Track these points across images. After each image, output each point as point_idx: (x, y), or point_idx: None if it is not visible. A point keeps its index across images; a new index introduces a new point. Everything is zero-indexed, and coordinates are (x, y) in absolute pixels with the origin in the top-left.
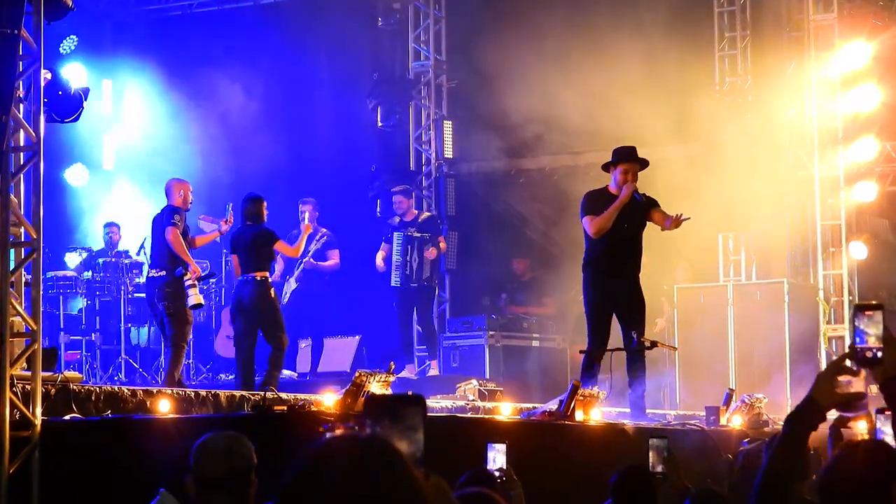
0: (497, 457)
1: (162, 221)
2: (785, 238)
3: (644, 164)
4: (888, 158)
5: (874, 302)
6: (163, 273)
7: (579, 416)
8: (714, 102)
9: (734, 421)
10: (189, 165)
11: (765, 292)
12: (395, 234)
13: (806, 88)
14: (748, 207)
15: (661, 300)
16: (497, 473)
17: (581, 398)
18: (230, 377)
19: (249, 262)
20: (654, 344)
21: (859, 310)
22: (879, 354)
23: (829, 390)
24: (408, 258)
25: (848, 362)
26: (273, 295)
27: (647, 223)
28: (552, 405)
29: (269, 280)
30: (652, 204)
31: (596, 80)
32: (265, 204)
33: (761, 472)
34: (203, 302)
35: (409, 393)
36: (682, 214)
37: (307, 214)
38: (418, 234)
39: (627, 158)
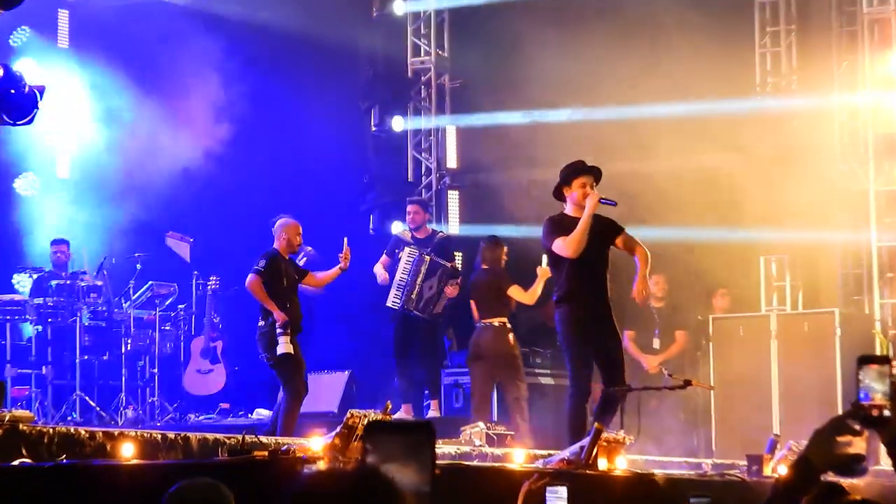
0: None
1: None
2: (836, 262)
3: (599, 174)
4: None
5: (882, 354)
6: (261, 323)
7: (603, 464)
8: (754, 106)
9: (780, 471)
10: (156, 174)
11: (813, 323)
12: (408, 248)
13: (859, 90)
14: (794, 226)
15: (674, 333)
16: None
17: (605, 444)
18: (200, 417)
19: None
20: (687, 382)
21: (864, 362)
22: (886, 413)
23: (826, 451)
24: (418, 281)
25: (851, 421)
26: (513, 341)
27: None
28: (571, 452)
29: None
30: (616, 227)
31: (621, 79)
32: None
33: None
34: (292, 352)
35: (415, 419)
36: (646, 291)
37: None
38: (446, 263)
39: (582, 171)
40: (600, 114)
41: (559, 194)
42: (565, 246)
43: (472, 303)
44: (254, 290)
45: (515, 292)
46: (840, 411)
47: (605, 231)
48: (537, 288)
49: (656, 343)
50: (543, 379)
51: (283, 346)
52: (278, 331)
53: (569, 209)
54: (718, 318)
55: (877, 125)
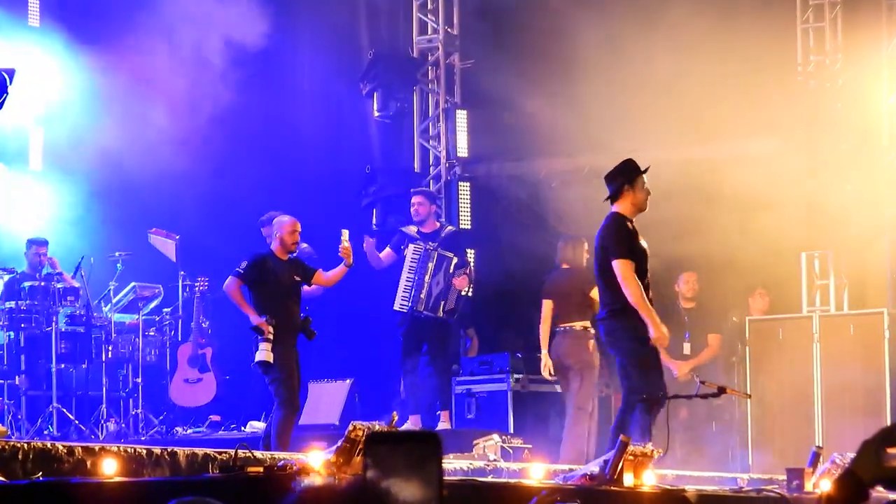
0: None
1: None
2: (885, 258)
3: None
4: None
5: None
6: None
7: (629, 480)
8: (796, 88)
9: (823, 486)
10: (137, 165)
11: (860, 325)
12: (412, 245)
13: None
14: (838, 219)
15: (707, 336)
16: None
17: (631, 458)
18: (188, 430)
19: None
20: (721, 390)
21: None
22: None
23: (874, 464)
24: (427, 279)
25: None
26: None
27: None
28: (594, 466)
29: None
30: None
31: (650, 59)
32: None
33: None
34: (271, 360)
35: (421, 428)
36: None
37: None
38: (450, 254)
39: (640, 170)
40: (628, 97)
41: (617, 195)
42: (623, 278)
43: (547, 303)
44: (229, 294)
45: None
46: (889, 421)
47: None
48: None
49: (687, 348)
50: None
51: (262, 352)
52: (258, 337)
53: (627, 210)
54: (756, 320)
55: None
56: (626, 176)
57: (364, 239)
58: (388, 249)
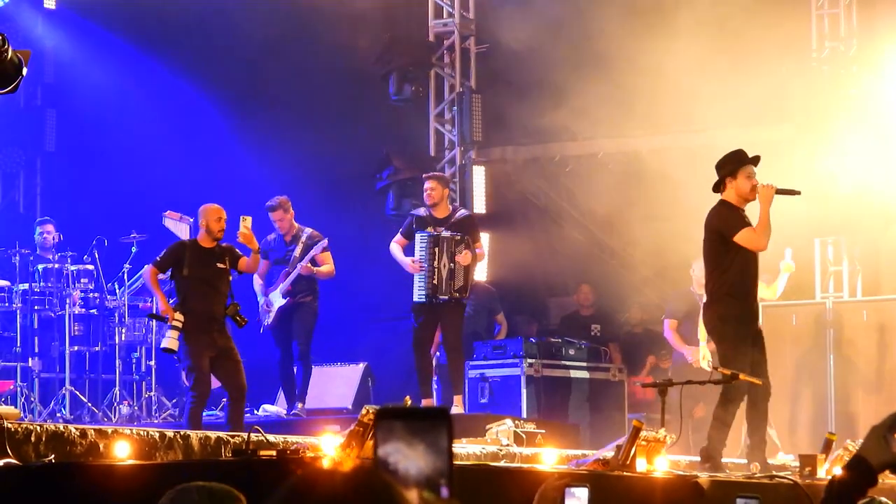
0: None
1: None
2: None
3: (757, 164)
4: None
5: None
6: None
7: (642, 465)
8: (810, 74)
9: (836, 473)
10: (153, 147)
11: (873, 312)
12: (419, 235)
13: None
14: (852, 205)
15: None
16: None
17: (644, 443)
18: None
19: None
20: (734, 376)
21: None
22: None
23: (883, 448)
24: (435, 263)
25: None
26: None
27: None
28: (607, 452)
29: None
30: None
31: (665, 44)
32: None
33: None
34: (174, 348)
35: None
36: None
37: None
38: (447, 234)
39: (747, 161)
40: (643, 83)
41: (719, 186)
42: (756, 238)
43: None
44: (145, 281)
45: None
46: None
47: None
48: (779, 283)
49: (701, 333)
50: (577, 372)
51: (167, 340)
52: (167, 324)
53: (732, 199)
54: (769, 305)
55: None
56: (728, 167)
57: (399, 254)
58: (399, 237)
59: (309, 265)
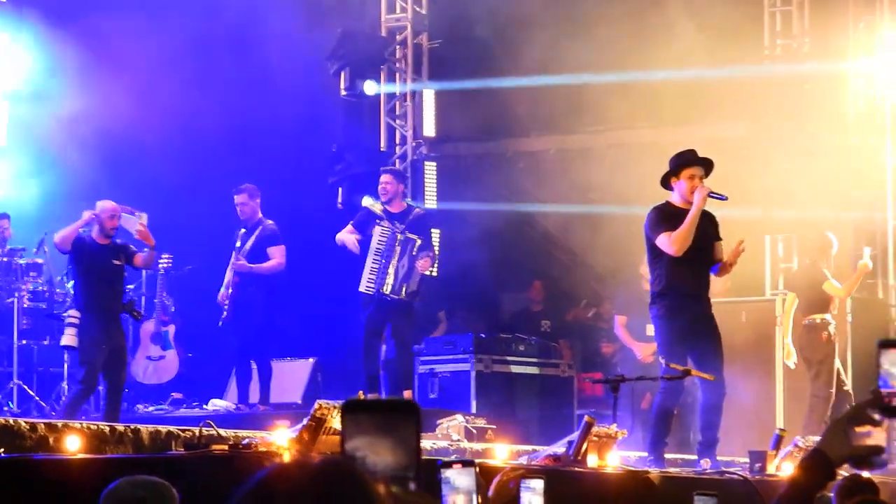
0: (533, 499)
1: None
2: (849, 242)
3: (710, 167)
4: None
5: None
6: None
7: (593, 461)
8: (762, 71)
9: (785, 469)
10: (103, 142)
11: None
12: (379, 227)
13: (878, 54)
14: (803, 203)
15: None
16: None
17: (595, 439)
18: (150, 408)
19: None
20: (686, 372)
21: (884, 346)
22: None
23: (842, 442)
24: (393, 261)
25: (870, 410)
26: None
27: None
28: (559, 447)
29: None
30: (717, 232)
31: (617, 41)
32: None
33: None
34: (74, 344)
35: (402, 397)
36: (741, 243)
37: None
38: (412, 237)
39: (691, 162)
40: (597, 79)
41: (666, 183)
42: (670, 243)
43: (790, 296)
44: None
45: (829, 287)
46: (850, 404)
47: (710, 228)
48: (854, 283)
49: (650, 329)
50: (527, 368)
51: (66, 337)
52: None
53: (675, 199)
54: (718, 302)
55: None
56: (672, 166)
57: (347, 237)
58: (350, 227)
59: (244, 261)
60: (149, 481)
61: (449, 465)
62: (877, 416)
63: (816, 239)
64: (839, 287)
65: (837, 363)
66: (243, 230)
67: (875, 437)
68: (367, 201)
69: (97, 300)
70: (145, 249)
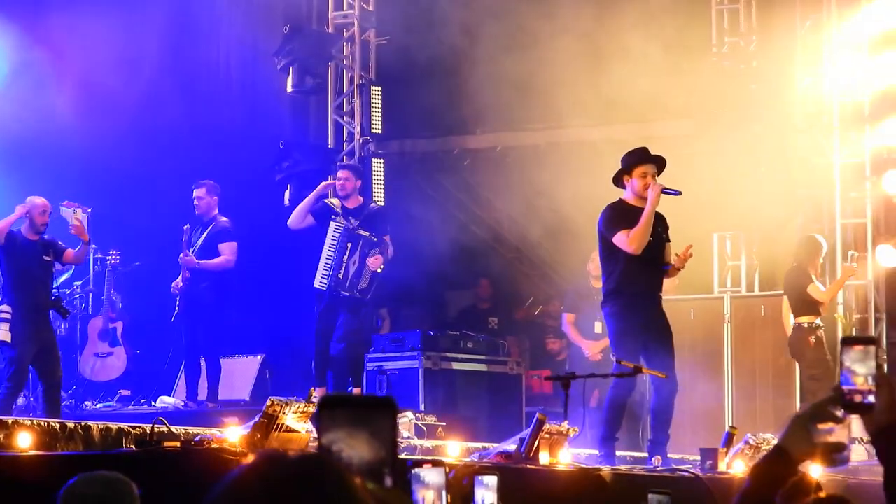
0: (486, 495)
1: None
2: (796, 240)
3: (662, 164)
4: None
5: (866, 335)
6: None
7: (544, 458)
8: (709, 69)
9: (736, 466)
10: (47, 136)
11: (770, 306)
12: (333, 223)
13: (825, 53)
14: (751, 201)
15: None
16: None
17: (547, 436)
18: (98, 405)
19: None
20: (637, 369)
21: (847, 344)
22: (871, 399)
23: (803, 439)
24: (344, 258)
25: (832, 407)
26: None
27: None
28: (511, 444)
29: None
30: (667, 232)
31: (564, 37)
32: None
33: None
34: (8, 339)
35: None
36: (689, 248)
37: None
38: (366, 233)
39: (643, 160)
40: (542, 77)
41: (618, 181)
42: (629, 241)
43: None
44: None
45: (813, 290)
46: (798, 402)
47: (661, 228)
48: (838, 286)
49: (598, 327)
50: (475, 365)
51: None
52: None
53: (628, 197)
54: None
55: (843, 92)
56: (624, 164)
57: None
58: (306, 205)
59: (191, 257)
60: (107, 477)
61: (419, 464)
62: (839, 413)
63: (803, 242)
64: (823, 290)
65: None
66: (187, 225)
67: (837, 433)
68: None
69: (25, 296)
70: (79, 246)
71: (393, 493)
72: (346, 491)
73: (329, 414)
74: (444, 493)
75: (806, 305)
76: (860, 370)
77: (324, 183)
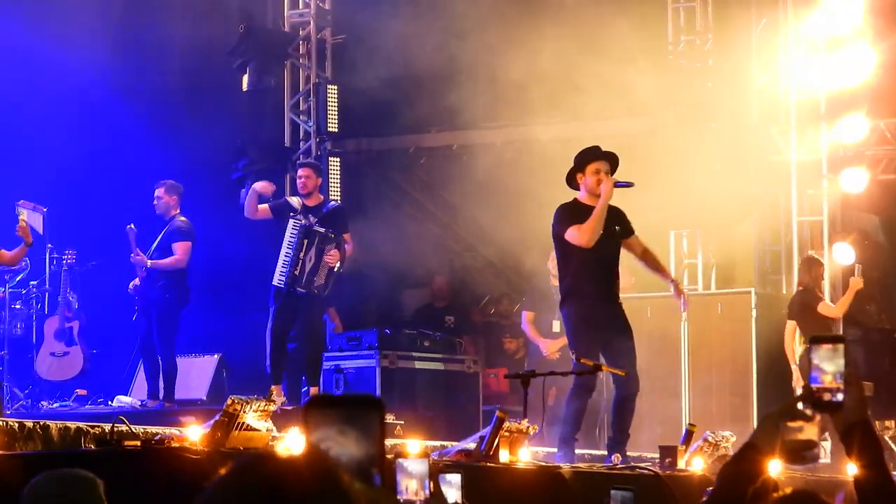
0: (450, 493)
1: None
2: (753, 238)
3: (615, 161)
4: (881, 139)
5: (834, 334)
6: None
7: (504, 456)
8: (665, 67)
9: (695, 464)
10: (2, 136)
11: (728, 304)
12: (292, 220)
13: (780, 51)
14: (707, 199)
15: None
16: None
17: (507, 434)
18: (54, 404)
19: None
20: (597, 367)
21: (816, 342)
22: (840, 397)
23: (774, 436)
24: (301, 255)
25: (801, 405)
26: None
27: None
28: (470, 443)
29: None
30: (628, 225)
31: (522, 36)
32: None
33: None
34: None
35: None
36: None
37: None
38: (321, 230)
39: (596, 156)
40: (498, 75)
41: (572, 181)
42: (580, 234)
43: (790, 324)
44: None
45: (824, 308)
46: (756, 400)
47: (619, 223)
48: (847, 301)
49: (556, 325)
50: (432, 364)
51: None
52: None
53: (582, 196)
54: (624, 298)
55: (799, 90)
56: (577, 162)
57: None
58: (265, 206)
59: (141, 256)
60: (72, 474)
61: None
62: (808, 411)
63: (805, 264)
64: (833, 307)
65: None
66: (131, 225)
67: (806, 431)
68: (294, 201)
69: None
70: (20, 246)
71: (381, 492)
72: (340, 491)
73: (317, 413)
74: (427, 482)
75: (818, 326)
76: (829, 368)
77: (261, 183)
